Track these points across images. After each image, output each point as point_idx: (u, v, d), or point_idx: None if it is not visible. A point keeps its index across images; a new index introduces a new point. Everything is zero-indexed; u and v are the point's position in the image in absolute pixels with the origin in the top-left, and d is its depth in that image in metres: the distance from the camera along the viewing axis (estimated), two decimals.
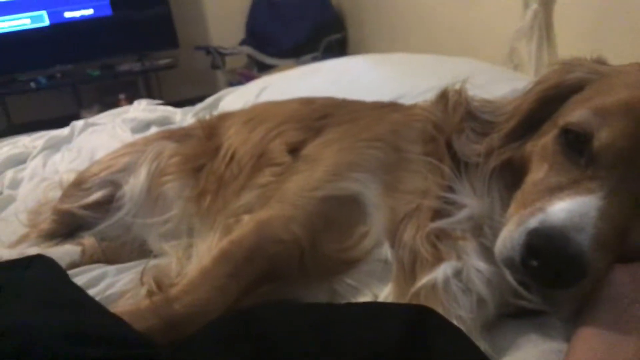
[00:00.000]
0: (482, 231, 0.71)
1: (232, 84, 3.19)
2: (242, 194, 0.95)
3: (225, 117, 1.21)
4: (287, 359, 0.51)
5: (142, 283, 0.78)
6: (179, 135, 1.20)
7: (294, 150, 0.94)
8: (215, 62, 3.59)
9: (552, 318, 0.65)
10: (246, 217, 0.84)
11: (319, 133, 0.96)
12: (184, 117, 1.81)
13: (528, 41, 1.64)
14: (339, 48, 3.40)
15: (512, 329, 0.67)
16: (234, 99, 1.83)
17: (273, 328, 0.55)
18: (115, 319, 0.65)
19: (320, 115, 1.01)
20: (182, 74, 3.89)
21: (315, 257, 0.77)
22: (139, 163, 1.13)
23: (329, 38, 3.36)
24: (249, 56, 3.59)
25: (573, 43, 1.55)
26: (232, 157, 1.03)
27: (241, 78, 3.35)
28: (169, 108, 1.93)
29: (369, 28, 3.14)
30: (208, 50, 3.66)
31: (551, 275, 0.57)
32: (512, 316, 0.69)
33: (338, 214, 0.79)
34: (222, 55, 3.59)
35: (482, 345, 0.64)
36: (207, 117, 1.20)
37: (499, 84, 1.30)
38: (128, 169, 1.13)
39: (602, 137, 0.60)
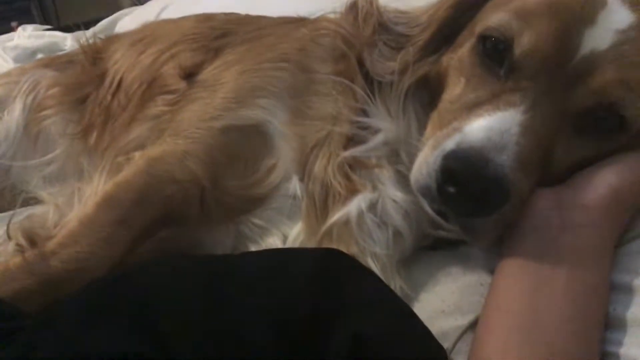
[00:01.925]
0: (399, 157, 0.65)
1: (137, 4, 2.90)
2: (131, 127, 0.83)
3: (112, 39, 1.06)
4: (170, 331, 0.43)
5: (9, 237, 0.66)
6: (60, 63, 1.05)
7: (190, 74, 0.82)
8: None
9: (473, 248, 0.61)
10: (137, 154, 0.73)
11: (218, 54, 0.84)
12: (75, 42, 1.59)
13: None
14: None
15: (431, 262, 0.63)
16: (132, 20, 1.63)
17: (155, 294, 0.46)
18: None
19: (219, 34, 0.88)
20: None
21: (217, 196, 0.68)
22: (12, 97, 0.98)
23: None
24: None
25: None
26: (119, 85, 0.90)
27: None
28: (58, 33, 1.70)
29: None
30: None
31: (471, 202, 0.51)
32: (431, 248, 0.65)
33: (241, 146, 0.70)
34: None
35: (398, 282, 0.60)
36: (91, 39, 1.04)
37: None
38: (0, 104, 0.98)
39: (524, 42, 0.54)
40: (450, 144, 0.52)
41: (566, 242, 0.50)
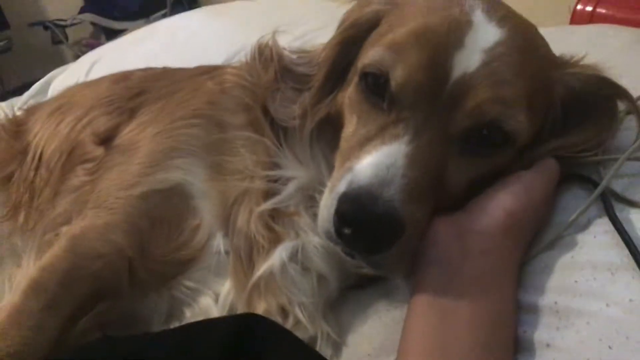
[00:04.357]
0: (315, 201, 0.64)
1: (80, 57, 2.88)
2: (56, 201, 0.81)
3: (33, 109, 1.03)
4: None
5: None
6: None
7: (107, 139, 0.80)
8: (56, 37, 3.22)
9: (397, 281, 0.60)
10: (65, 229, 0.72)
11: (134, 114, 0.82)
12: (10, 111, 1.56)
13: None
14: (190, 1, 3.16)
15: (358, 302, 0.62)
16: (65, 80, 1.60)
17: None
18: None
19: (134, 93, 0.86)
20: (20, 56, 3.45)
21: (145, 264, 0.67)
22: None
23: None
24: (93, 24, 3.26)
25: None
26: (40, 159, 0.87)
27: (88, 50, 3.02)
28: None
29: None
30: (45, 25, 3.26)
31: (367, 240, 0.51)
32: (358, 286, 0.64)
33: (163, 210, 0.69)
34: (62, 27, 3.22)
35: (326, 329, 0.59)
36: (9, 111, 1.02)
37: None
38: None
39: (397, 74, 0.54)
40: (342, 186, 0.52)
41: (467, 271, 0.50)
